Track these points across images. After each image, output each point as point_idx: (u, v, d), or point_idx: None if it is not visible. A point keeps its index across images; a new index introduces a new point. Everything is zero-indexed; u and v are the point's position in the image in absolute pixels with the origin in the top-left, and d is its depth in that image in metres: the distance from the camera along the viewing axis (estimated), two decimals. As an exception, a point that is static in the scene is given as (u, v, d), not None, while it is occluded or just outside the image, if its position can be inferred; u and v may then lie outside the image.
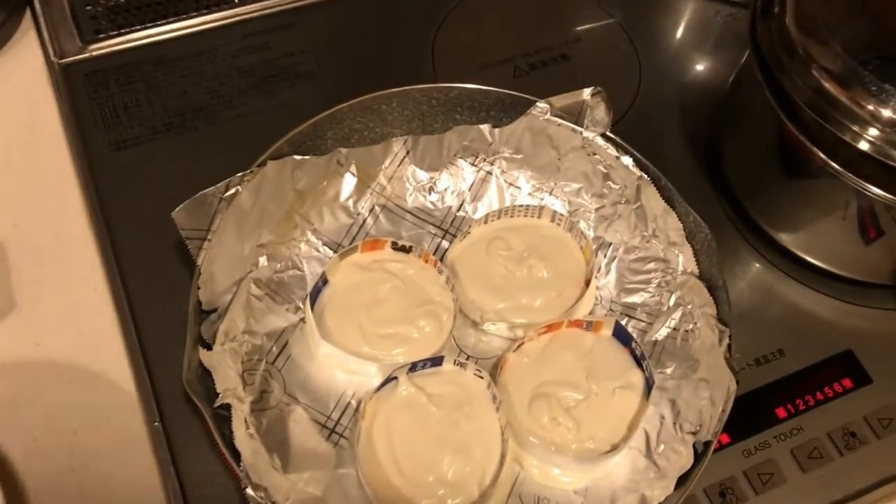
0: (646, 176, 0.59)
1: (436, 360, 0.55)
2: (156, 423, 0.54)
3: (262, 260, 0.58)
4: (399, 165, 0.63)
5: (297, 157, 0.58)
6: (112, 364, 0.57)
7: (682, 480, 0.51)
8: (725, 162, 0.68)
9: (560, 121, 0.61)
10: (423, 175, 0.63)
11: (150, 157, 0.65)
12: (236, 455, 0.48)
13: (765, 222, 0.65)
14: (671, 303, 0.59)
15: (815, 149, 0.55)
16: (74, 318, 0.59)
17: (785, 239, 0.64)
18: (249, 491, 0.45)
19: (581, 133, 0.60)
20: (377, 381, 0.56)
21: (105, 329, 0.58)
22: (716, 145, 0.70)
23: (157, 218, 0.57)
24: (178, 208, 0.53)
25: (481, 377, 0.55)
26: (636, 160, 0.60)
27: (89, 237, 0.62)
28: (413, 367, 0.54)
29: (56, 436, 0.54)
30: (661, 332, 0.58)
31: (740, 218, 0.67)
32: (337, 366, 0.56)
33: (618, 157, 0.60)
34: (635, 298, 0.60)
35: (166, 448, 0.53)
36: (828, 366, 0.61)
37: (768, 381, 0.60)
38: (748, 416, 0.58)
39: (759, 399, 0.59)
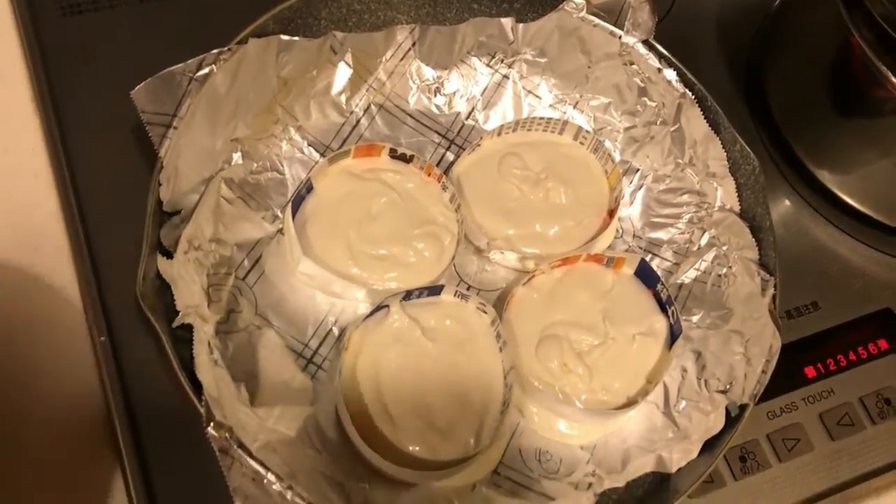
0: (690, 94, 0.51)
1: (434, 289, 0.48)
2: (102, 339, 0.46)
3: (237, 157, 0.49)
4: (402, 59, 0.54)
5: (285, 38, 0.49)
6: (53, 266, 0.49)
7: (707, 445, 0.45)
8: (769, 88, 0.60)
9: (596, 20, 0.52)
10: (429, 73, 0.54)
11: (108, 25, 0.55)
12: (196, 385, 0.40)
13: (810, 160, 0.58)
14: (703, 242, 0.52)
15: (887, 72, 0.47)
16: (10, 209, 0.50)
17: (831, 180, 0.57)
18: (211, 430, 0.37)
19: (620, 37, 0.52)
20: (364, 308, 0.49)
21: (46, 224, 0.50)
22: (759, 69, 0.62)
23: (114, 98, 0.47)
24: (138, 87, 0.44)
25: (485, 312, 0.48)
26: (680, 74, 0.52)
27: (31, 115, 0.52)
28: (408, 296, 0.47)
29: None
30: (689, 275, 0.51)
31: (781, 153, 0.59)
32: (318, 287, 0.48)
33: (659, 70, 0.52)
34: (661, 234, 0.53)
35: (114, 367, 0.45)
36: (864, 324, 0.55)
37: (799, 337, 0.54)
38: (775, 373, 0.51)
39: (788, 356, 0.51)
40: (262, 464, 0.38)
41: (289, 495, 0.38)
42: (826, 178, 0.57)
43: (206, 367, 0.40)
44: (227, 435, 0.38)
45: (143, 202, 0.47)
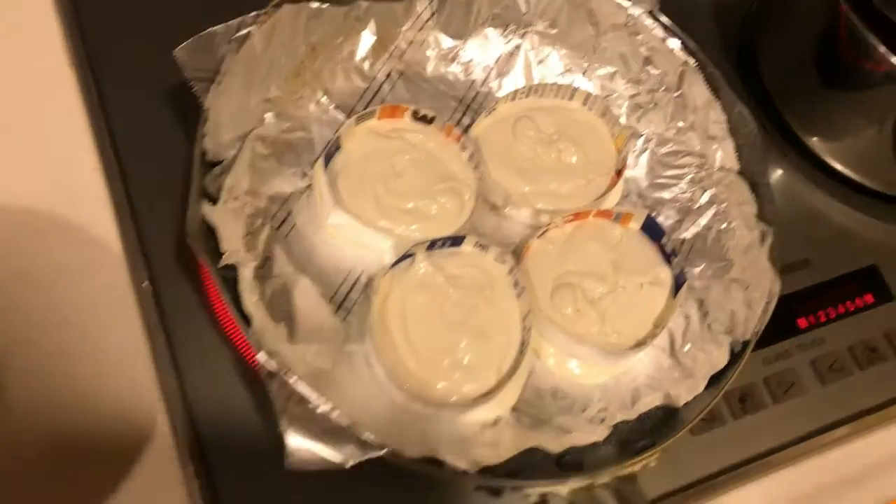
0: (692, 62, 0.55)
1: (456, 240, 0.51)
2: (144, 284, 0.49)
3: (269, 116, 0.52)
4: (421, 29, 0.57)
5: (314, 5, 0.52)
6: (94, 217, 0.51)
7: (712, 381, 0.48)
8: (762, 60, 0.64)
9: (605, -8, 0.56)
10: (446, 42, 0.58)
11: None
12: (244, 319, 0.43)
13: (800, 129, 0.62)
14: (704, 200, 0.55)
15: (877, 42, 0.51)
16: (52, 163, 0.52)
17: (820, 147, 0.61)
18: (262, 356, 0.40)
19: (627, 9, 0.55)
20: (389, 259, 0.51)
21: (86, 179, 0.52)
22: (752, 42, 0.65)
23: (150, 56, 0.50)
24: (181, 46, 0.47)
25: (503, 262, 0.51)
26: (683, 44, 0.55)
27: (69, 74, 0.55)
28: (431, 245, 0.50)
29: (32, 291, 0.49)
30: (691, 231, 0.55)
31: (772, 121, 0.63)
32: (346, 239, 0.51)
33: (664, 40, 0.55)
34: (664, 194, 0.57)
35: (155, 311, 0.48)
36: (851, 279, 0.59)
37: (791, 291, 0.57)
38: (770, 323, 0.54)
39: (782, 308, 0.55)
40: (308, 387, 0.40)
41: (334, 415, 0.40)
42: (816, 145, 0.61)
43: (252, 303, 0.43)
44: (275, 361, 0.41)
45: (177, 156, 0.50)
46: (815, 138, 0.61)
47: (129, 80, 0.54)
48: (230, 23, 0.48)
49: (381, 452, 0.40)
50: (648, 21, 0.56)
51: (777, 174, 0.63)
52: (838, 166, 0.61)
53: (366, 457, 0.40)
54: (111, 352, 0.48)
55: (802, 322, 0.56)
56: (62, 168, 0.52)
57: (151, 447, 0.47)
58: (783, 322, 0.56)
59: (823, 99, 0.61)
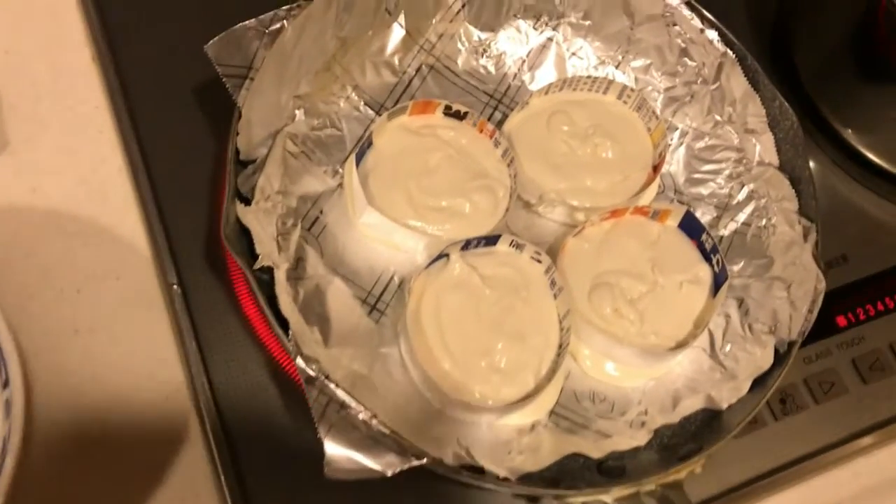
0: (730, 53, 0.54)
1: (491, 239, 0.50)
2: (175, 287, 0.48)
3: (299, 113, 0.51)
4: (452, 21, 0.56)
5: (345, -2, 0.51)
6: (121, 217, 0.51)
7: (757, 383, 0.47)
8: (796, 48, 0.62)
9: (641, -18, 0.54)
10: (477, 35, 0.56)
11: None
12: (281, 323, 0.42)
13: (836, 119, 0.60)
14: (742, 196, 0.54)
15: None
16: (77, 163, 0.51)
17: (857, 139, 0.59)
18: (300, 362, 0.39)
19: (664, -1, 0.54)
20: (421, 258, 0.50)
21: (112, 177, 0.51)
22: (785, 28, 0.63)
23: (175, 52, 0.50)
24: (211, 41, 0.46)
25: (539, 261, 0.50)
26: (721, 35, 0.54)
27: (93, 70, 0.54)
28: (466, 245, 0.49)
29: (57, 293, 0.48)
30: (730, 227, 0.54)
31: (807, 112, 0.60)
32: (378, 238, 0.50)
33: (702, 31, 0.54)
34: (702, 189, 0.55)
35: (186, 314, 0.47)
36: (891, 275, 0.57)
37: (830, 288, 0.55)
38: (808, 322, 0.54)
39: (821, 305, 0.55)
40: (348, 392, 0.40)
41: (374, 423, 0.39)
42: (852, 137, 0.59)
43: (288, 304, 0.42)
44: (314, 366, 0.40)
45: (205, 154, 0.49)
46: (850, 130, 0.60)
47: (155, 77, 0.53)
48: (262, 17, 0.47)
49: (422, 461, 0.39)
50: (686, 11, 0.54)
51: (812, 166, 0.61)
52: (875, 158, 0.59)
53: (406, 466, 0.39)
54: (141, 356, 0.48)
55: (841, 320, 0.55)
56: (88, 168, 0.51)
57: (183, 451, 0.47)
58: (822, 320, 0.53)
59: (860, 89, 0.59)
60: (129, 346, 0.48)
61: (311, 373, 0.39)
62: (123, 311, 0.48)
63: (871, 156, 0.59)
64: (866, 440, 0.52)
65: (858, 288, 0.57)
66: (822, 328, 0.54)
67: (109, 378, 0.47)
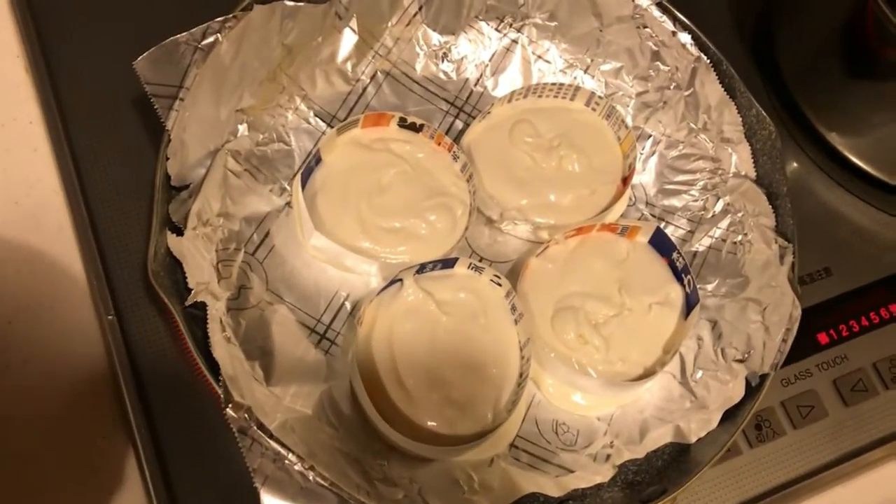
0: (704, 58, 0.50)
1: (448, 262, 0.47)
2: (110, 317, 0.45)
3: (242, 128, 0.48)
4: (408, 24, 0.52)
5: (289, 4, 0.47)
6: (55, 242, 0.48)
7: (727, 415, 0.44)
8: (779, 47, 0.59)
9: (609, -18, 0.50)
10: (436, 38, 0.53)
11: (103, -9, 0.53)
12: (211, 364, 0.39)
13: (820, 122, 0.57)
14: (718, 209, 0.51)
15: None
16: (10, 184, 0.48)
17: (842, 142, 0.56)
18: (230, 411, 0.37)
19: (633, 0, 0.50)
20: (375, 282, 0.48)
21: (47, 199, 0.48)
22: (769, 27, 0.60)
23: (113, 66, 0.46)
24: (141, 57, 0.43)
25: (499, 284, 0.47)
26: (695, 38, 0.50)
27: (28, 87, 0.50)
28: (421, 269, 0.46)
29: None
30: (704, 242, 0.51)
31: (790, 114, 0.58)
32: (329, 261, 0.47)
33: (674, 34, 0.51)
34: (675, 201, 0.52)
35: (122, 345, 0.45)
36: (876, 289, 0.54)
37: (811, 304, 0.53)
38: (786, 340, 0.51)
39: (801, 322, 0.51)
40: (282, 444, 0.37)
41: (311, 476, 0.37)
42: (836, 140, 0.56)
43: (221, 345, 0.40)
44: (245, 415, 0.37)
45: (145, 175, 0.46)
46: (836, 132, 0.56)
47: (93, 91, 0.50)
48: (194, 30, 0.43)
49: (364, 513, 0.37)
50: (657, 13, 0.51)
51: (795, 170, 0.58)
52: (861, 163, 0.56)
53: (347, 518, 0.37)
54: (79, 389, 0.45)
55: (823, 337, 0.53)
56: (21, 189, 0.48)
57: (121, 492, 0.44)
58: (802, 338, 0.51)
59: (845, 90, 0.56)
60: (62, 384, 0.45)
61: (242, 424, 0.37)
62: (57, 343, 0.45)
63: (855, 159, 0.56)
64: (847, 466, 0.49)
65: (841, 303, 0.54)
66: (801, 347, 0.51)
67: (45, 413, 0.44)
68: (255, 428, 0.37)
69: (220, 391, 0.38)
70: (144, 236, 0.47)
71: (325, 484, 0.37)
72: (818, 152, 0.57)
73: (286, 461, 0.37)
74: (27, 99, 0.50)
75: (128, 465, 0.44)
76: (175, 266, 0.42)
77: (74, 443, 0.44)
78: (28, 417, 0.44)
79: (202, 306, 0.41)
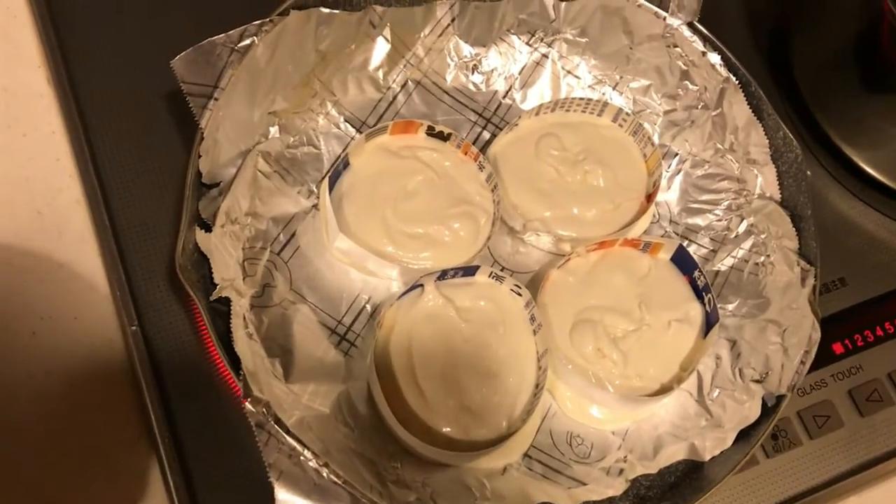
0: (733, 79, 0.50)
1: (469, 270, 0.47)
2: (133, 328, 0.45)
3: (273, 131, 0.49)
4: (441, 35, 0.53)
5: (325, 11, 0.48)
6: (78, 252, 0.48)
7: (742, 434, 0.44)
8: (795, 60, 0.58)
9: (641, 1, 0.51)
10: (467, 50, 0.54)
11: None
12: (234, 360, 0.40)
13: (836, 134, 0.56)
14: (741, 229, 0.51)
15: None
16: (32, 194, 0.49)
17: (858, 154, 0.56)
18: (249, 405, 0.37)
19: (664, 19, 0.51)
20: (397, 287, 0.48)
21: (70, 209, 0.49)
22: (785, 40, 0.60)
23: (135, 75, 0.48)
24: (178, 56, 0.44)
25: (520, 294, 0.47)
26: (724, 59, 0.51)
27: (49, 94, 0.51)
28: (442, 275, 0.46)
29: (11, 336, 0.46)
30: (726, 262, 0.51)
31: (806, 126, 0.58)
32: (352, 264, 0.48)
33: (703, 54, 0.51)
34: (699, 220, 0.53)
35: (146, 355, 0.45)
36: (891, 299, 0.54)
37: (827, 314, 0.52)
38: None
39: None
40: (298, 440, 0.38)
41: (325, 473, 0.37)
42: (852, 151, 0.56)
43: (243, 340, 0.40)
44: (264, 410, 0.38)
45: (171, 180, 0.47)
46: (852, 144, 0.56)
47: (116, 101, 0.50)
48: (231, 32, 0.44)
49: (376, 512, 0.38)
50: (687, 33, 0.51)
51: (814, 185, 0.57)
52: (875, 173, 0.56)
53: (359, 516, 0.37)
54: (102, 399, 0.45)
55: (838, 347, 0.52)
56: (43, 199, 0.49)
57: (144, 500, 0.44)
58: (818, 348, 0.51)
59: (861, 102, 0.56)
60: (87, 393, 0.45)
61: (260, 418, 0.37)
62: (81, 353, 0.46)
63: (871, 171, 0.56)
64: (863, 477, 0.49)
65: (857, 313, 0.53)
66: (817, 357, 0.50)
67: (66, 427, 0.44)
68: (272, 423, 0.38)
69: (240, 385, 0.38)
70: (168, 245, 0.47)
71: (339, 482, 0.37)
72: (833, 163, 0.57)
73: (301, 457, 0.38)
74: (49, 108, 0.51)
75: (151, 473, 0.45)
76: (201, 262, 0.43)
77: (98, 451, 0.45)
78: (52, 426, 0.45)
79: (226, 302, 0.42)
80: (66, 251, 0.47)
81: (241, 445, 0.44)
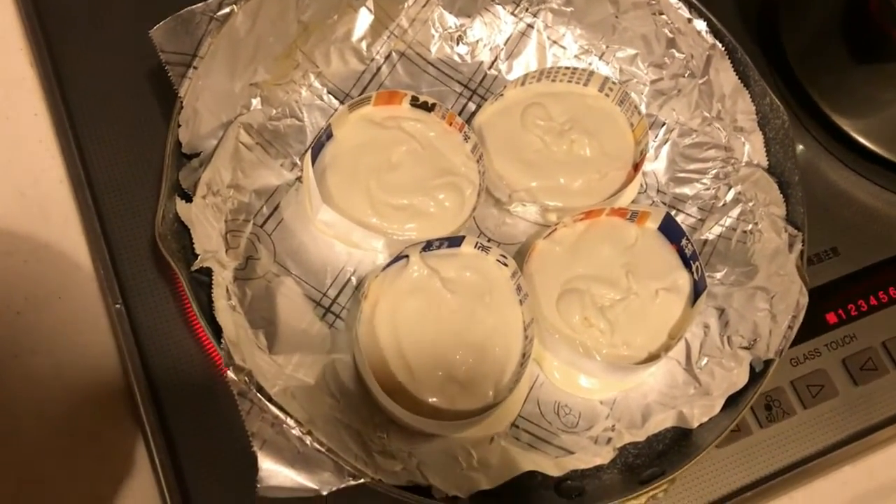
0: (720, 45, 0.50)
1: (454, 241, 0.47)
2: (118, 306, 0.45)
3: (255, 102, 0.48)
4: (425, 6, 0.53)
5: (306, -21, 0.48)
6: (62, 233, 0.48)
7: (731, 400, 0.44)
8: (784, 30, 0.58)
9: (626, -32, 0.50)
10: (452, 20, 0.53)
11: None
12: (216, 330, 0.39)
13: (826, 103, 0.56)
14: (729, 197, 0.51)
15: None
16: (16, 176, 0.48)
17: (848, 123, 0.55)
18: (231, 374, 0.37)
19: (650, -15, 0.50)
20: (382, 258, 0.48)
21: (53, 190, 0.48)
22: (773, 9, 0.59)
23: (116, 57, 0.47)
24: (157, 26, 0.43)
25: (506, 264, 0.47)
26: (710, 26, 0.50)
27: (32, 76, 0.50)
28: (427, 246, 0.46)
29: None
30: (714, 231, 0.51)
31: (796, 96, 0.57)
32: (336, 236, 0.48)
33: (689, 21, 0.50)
34: (686, 189, 0.52)
35: (131, 334, 0.45)
36: (884, 268, 0.54)
37: (819, 284, 0.52)
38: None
39: (809, 302, 0.49)
40: (281, 408, 0.37)
41: (308, 440, 0.37)
42: (843, 121, 0.56)
43: (225, 311, 0.40)
44: (245, 378, 0.37)
45: (150, 162, 0.46)
46: (842, 114, 0.56)
47: (98, 84, 0.50)
48: (210, 0, 0.44)
49: (360, 481, 0.37)
50: (673, 0, 0.50)
51: (801, 152, 0.57)
52: (867, 143, 0.55)
53: (343, 485, 0.37)
54: (88, 378, 0.45)
55: (832, 317, 0.52)
56: (27, 181, 0.48)
57: (130, 478, 0.44)
58: (810, 318, 0.50)
59: (851, 72, 0.55)
60: (72, 371, 0.45)
61: (242, 386, 0.37)
62: (65, 332, 0.45)
63: (862, 140, 0.55)
64: (858, 445, 0.49)
65: (850, 282, 0.53)
66: (810, 327, 0.50)
67: (52, 405, 0.44)
68: (254, 391, 0.37)
69: (221, 354, 0.38)
70: (151, 224, 0.46)
71: (323, 450, 0.37)
72: (824, 133, 0.57)
73: (284, 426, 0.37)
74: (31, 91, 0.50)
75: (137, 452, 0.44)
76: (182, 233, 0.42)
77: (83, 431, 0.44)
78: (37, 406, 0.44)
79: (208, 273, 0.41)
80: (50, 231, 0.47)
81: (228, 421, 0.44)
